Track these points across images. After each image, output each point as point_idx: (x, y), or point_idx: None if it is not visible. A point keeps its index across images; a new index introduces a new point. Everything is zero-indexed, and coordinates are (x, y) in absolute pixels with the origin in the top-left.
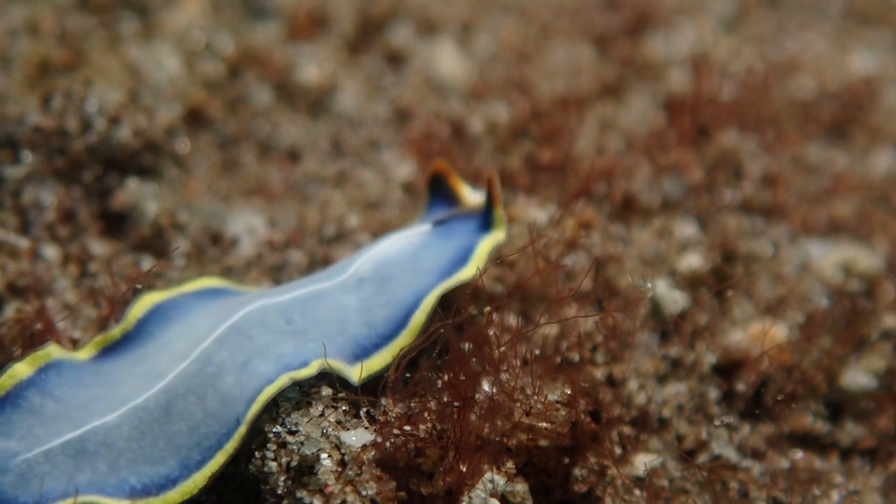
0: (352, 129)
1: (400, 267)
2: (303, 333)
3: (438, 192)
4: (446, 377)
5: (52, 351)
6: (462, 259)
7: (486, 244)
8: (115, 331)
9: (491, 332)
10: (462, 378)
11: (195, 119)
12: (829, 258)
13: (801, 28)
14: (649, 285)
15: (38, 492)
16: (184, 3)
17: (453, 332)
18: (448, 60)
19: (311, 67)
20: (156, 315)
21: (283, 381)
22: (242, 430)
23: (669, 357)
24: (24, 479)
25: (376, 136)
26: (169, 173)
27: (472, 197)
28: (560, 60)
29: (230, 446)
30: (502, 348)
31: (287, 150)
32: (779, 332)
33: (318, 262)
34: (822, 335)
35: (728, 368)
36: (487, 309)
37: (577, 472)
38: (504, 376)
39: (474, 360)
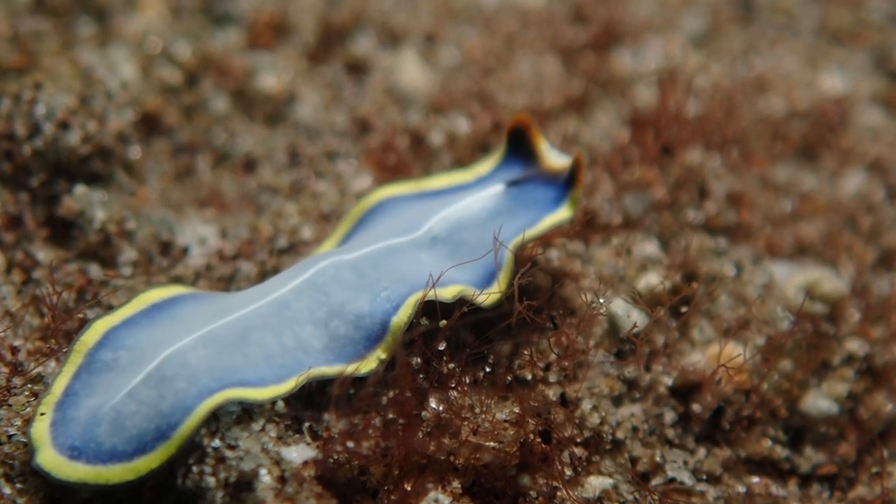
0: (309, 140)
1: (471, 233)
2: (376, 283)
3: (516, 144)
4: (392, 393)
5: (117, 315)
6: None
7: (549, 221)
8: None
9: (441, 347)
10: (408, 395)
11: (149, 126)
12: (792, 280)
13: (771, 45)
14: (602, 301)
15: (134, 435)
16: (143, 9)
17: (400, 348)
18: (410, 71)
19: (270, 76)
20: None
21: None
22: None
23: (625, 377)
24: (116, 425)
25: (334, 146)
26: (120, 180)
27: (550, 155)
28: (525, 73)
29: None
30: (451, 365)
31: (242, 160)
32: (738, 354)
33: (268, 273)
34: (782, 358)
35: (685, 390)
36: (443, 322)
37: (526, 492)
38: (452, 393)
39: (421, 376)
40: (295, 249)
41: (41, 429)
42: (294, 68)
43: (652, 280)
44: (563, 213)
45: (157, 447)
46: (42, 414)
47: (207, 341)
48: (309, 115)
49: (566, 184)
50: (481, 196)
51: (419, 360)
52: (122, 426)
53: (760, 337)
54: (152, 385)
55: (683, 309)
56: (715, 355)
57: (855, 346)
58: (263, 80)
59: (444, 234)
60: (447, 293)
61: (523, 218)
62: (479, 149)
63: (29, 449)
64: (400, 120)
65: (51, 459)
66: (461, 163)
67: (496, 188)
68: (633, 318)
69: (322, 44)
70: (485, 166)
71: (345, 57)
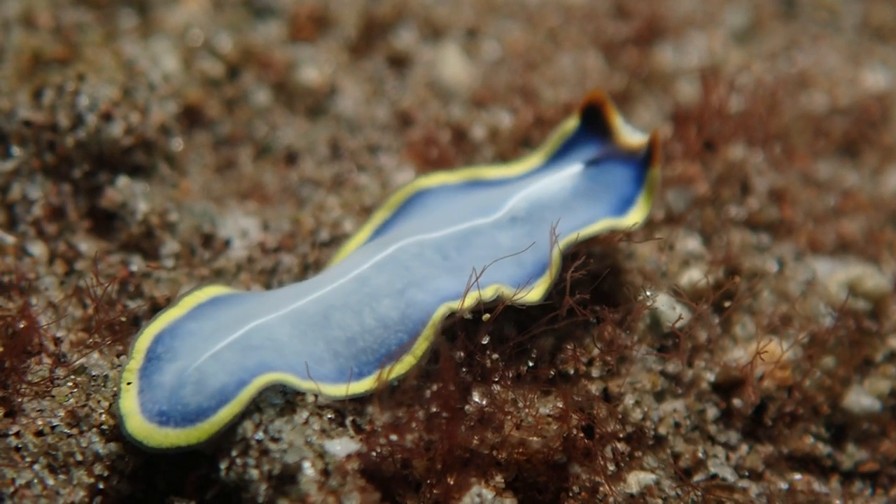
0: (350, 133)
1: (552, 210)
2: (459, 270)
3: (590, 121)
4: (435, 387)
5: (206, 292)
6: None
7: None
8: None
9: (485, 341)
10: (451, 388)
11: (191, 118)
12: (834, 277)
13: (814, 42)
14: (649, 293)
15: (217, 389)
16: (185, 1)
17: (444, 340)
18: (452, 65)
19: (312, 69)
20: None
21: (443, 310)
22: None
23: (668, 373)
24: (200, 385)
25: (375, 140)
26: (162, 172)
27: (625, 132)
28: (566, 68)
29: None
30: (494, 357)
31: (284, 153)
32: (781, 350)
33: (310, 267)
34: (825, 355)
35: (727, 386)
36: (487, 316)
37: (569, 488)
38: (495, 388)
39: (465, 369)
40: (337, 242)
41: (130, 398)
42: (336, 61)
43: (694, 276)
44: (633, 217)
45: (238, 393)
46: (128, 383)
47: (294, 320)
48: (350, 108)
49: (644, 162)
50: (561, 176)
51: (462, 353)
52: (206, 384)
53: (803, 333)
54: (237, 350)
55: (726, 304)
56: (763, 353)
57: None
58: (305, 73)
59: (523, 213)
60: (486, 293)
61: (602, 200)
62: (522, 143)
63: (117, 418)
64: (442, 114)
65: (141, 427)
66: (503, 157)
67: (575, 168)
68: (677, 312)
69: (364, 37)
70: (533, 160)
71: (386, 50)
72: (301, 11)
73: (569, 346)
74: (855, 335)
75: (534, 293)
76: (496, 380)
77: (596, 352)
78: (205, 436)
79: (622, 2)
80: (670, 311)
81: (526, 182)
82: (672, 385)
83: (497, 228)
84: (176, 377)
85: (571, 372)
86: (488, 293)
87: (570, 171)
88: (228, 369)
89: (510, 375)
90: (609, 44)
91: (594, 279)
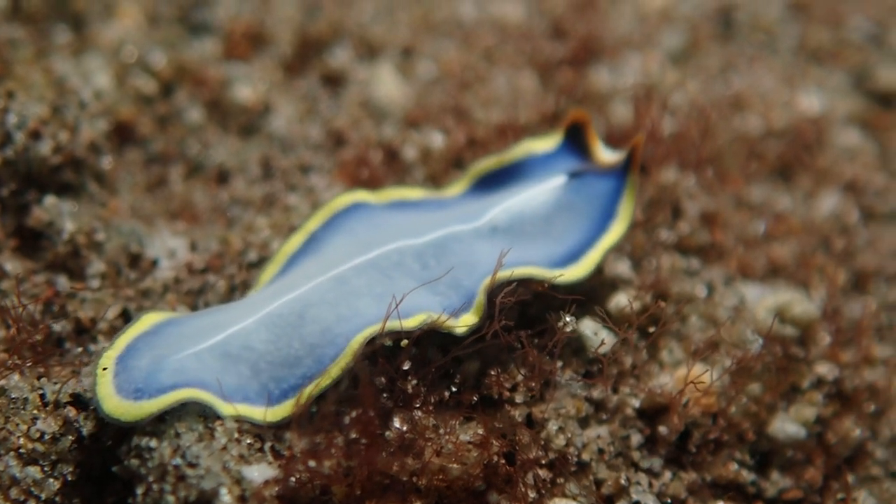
0: (283, 152)
1: (533, 224)
2: (436, 282)
3: (572, 138)
4: (355, 413)
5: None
6: (583, 245)
7: (604, 245)
8: None
9: (406, 367)
10: (371, 414)
11: (123, 136)
12: (763, 302)
13: (750, 64)
14: (568, 319)
15: (195, 378)
16: (120, 17)
17: (365, 365)
18: (386, 84)
19: (246, 87)
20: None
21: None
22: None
23: (593, 399)
24: (179, 374)
25: (308, 159)
26: (91, 191)
27: (602, 153)
28: (501, 88)
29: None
30: (415, 383)
31: (215, 171)
32: (707, 376)
33: (237, 288)
34: (751, 381)
35: (653, 413)
36: (405, 342)
37: None
38: (417, 413)
39: (385, 395)
40: (265, 263)
41: (105, 383)
42: (270, 80)
43: (622, 301)
44: (614, 236)
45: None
46: (104, 369)
47: (269, 324)
48: (283, 127)
49: (623, 172)
50: (545, 188)
51: (383, 379)
52: (185, 374)
53: (730, 359)
54: (217, 356)
55: (652, 329)
56: (684, 378)
57: (824, 369)
58: (239, 91)
59: (504, 224)
60: (410, 322)
61: (584, 213)
62: (454, 165)
63: (94, 402)
64: (374, 133)
65: (118, 406)
66: (434, 179)
67: (558, 180)
68: (601, 337)
69: (299, 55)
70: (456, 187)
71: (321, 69)
72: (236, 29)
73: (493, 371)
74: (782, 361)
75: (464, 321)
76: (418, 405)
77: (520, 377)
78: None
79: (559, 22)
80: (595, 336)
81: (508, 193)
82: (597, 411)
83: (476, 236)
84: (154, 363)
85: (496, 397)
86: (414, 322)
87: (553, 184)
88: (209, 369)
89: (433, 401)
90: (545, 64)
91: (522, 303)
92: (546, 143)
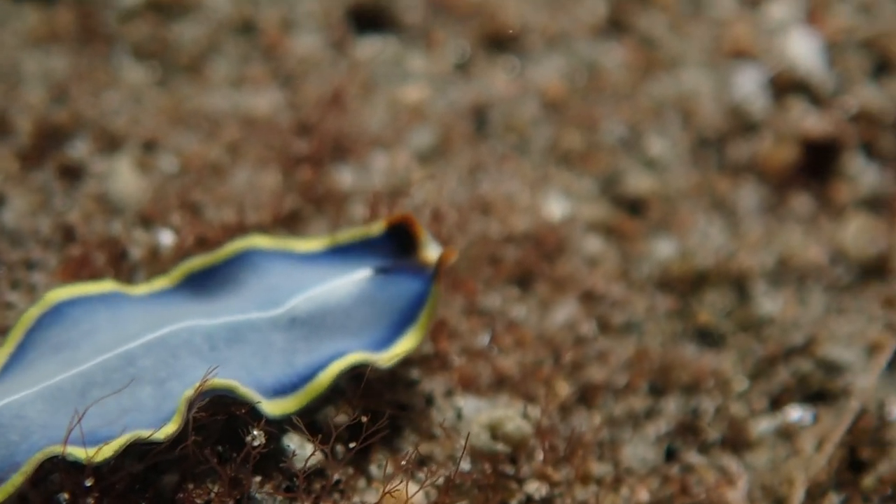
0: (11, 247)
1: (333, 317)
2: (224, 363)
3: (396, 231)
4: None
5: None
6: (386, 339)
7: (402, 348)
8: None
9: (89, 483)
10: None
11: None
12: (478, 417)
13: (499, 164)
14: (257, 434)
15: None
16: None
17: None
18: (124, 178)
19: None
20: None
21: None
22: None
23: None
24: None
25: (35, 255)
26: None
27: (428, 247)
28: (239, 185)
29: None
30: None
31: None
32: (416, 494)
33: None
34: (460, 499)
35: None
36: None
37: None
38: None
39: None
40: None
41: None
42: (5, 170)
43: (331, 412)
44: (411, 342)
45: None
46: None
47: (48, 396)
48: (13, 220)
49: (431, 279)
50: (350, 281)
51: (66, 495)
52: None
53: (436, 476)
54: None
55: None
56: (393, 493)
57: (533, 487)
58: None
59: (305, 315)
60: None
61: (383, 311)
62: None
63: None
64: (103, 230)
65: None
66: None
67: (363, 273)
68: (307, 450)
69: (37, 146)
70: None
71: (60, 160)
72: None
73: (190, 485)
74: (491, 478)
75: (294, 401)
76: None
77: (214, 493)
78: None
79: (305, 118)
80: (300, 449)
81: (311, 281)
82: None
83: (272, 327)
84: None
85: None
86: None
87: (358, 277)
88: None
89: None
90: (290, 160)
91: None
92: (311, 244)
